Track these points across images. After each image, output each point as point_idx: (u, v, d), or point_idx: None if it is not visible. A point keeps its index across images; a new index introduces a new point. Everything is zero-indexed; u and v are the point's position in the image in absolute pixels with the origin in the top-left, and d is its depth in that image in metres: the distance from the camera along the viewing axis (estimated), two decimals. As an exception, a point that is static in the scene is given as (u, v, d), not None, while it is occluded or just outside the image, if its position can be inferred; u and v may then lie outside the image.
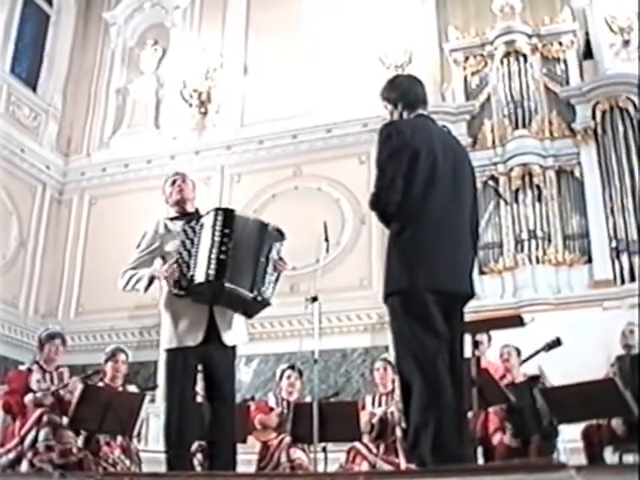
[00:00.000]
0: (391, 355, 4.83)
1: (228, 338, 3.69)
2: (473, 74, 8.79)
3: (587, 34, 8.52)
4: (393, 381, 5.50)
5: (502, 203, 7.96)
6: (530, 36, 8.55)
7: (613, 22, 8.38)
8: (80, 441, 4.76)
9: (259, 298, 3.64)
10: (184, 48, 10.42)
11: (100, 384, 5.19)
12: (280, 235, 3.81)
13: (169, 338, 3.67)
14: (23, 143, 9.95)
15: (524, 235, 7.82)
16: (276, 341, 8.41)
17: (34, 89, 10.51)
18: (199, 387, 4.04)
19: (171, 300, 3.70)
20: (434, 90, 8.35)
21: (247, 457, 5.16)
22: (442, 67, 9.03)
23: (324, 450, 5.01)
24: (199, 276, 3.57)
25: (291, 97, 9.40)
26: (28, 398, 4.90)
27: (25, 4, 10.49)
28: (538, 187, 7.98)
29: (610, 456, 4.82)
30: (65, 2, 11.07)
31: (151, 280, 3.74)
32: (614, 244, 7.51)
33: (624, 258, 7.42)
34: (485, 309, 6.42)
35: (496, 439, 5.09)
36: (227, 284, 3.55)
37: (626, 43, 8.27)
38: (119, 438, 4.99)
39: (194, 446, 4.44)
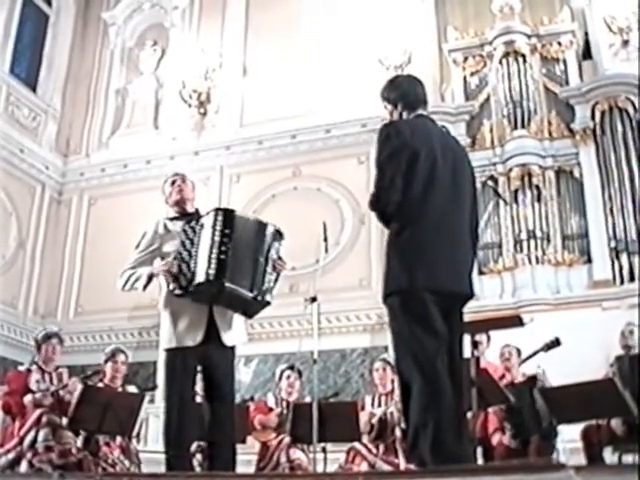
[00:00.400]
0: (390, 355, 4.83)
1: (228, 338, 3.69)
2: (472, 74, 8.79)
3: (586, 34, 8.53)
4: (392, 381, 5.49)
5: (501, 203, 7.95)
6: (529, 36, 8.54)
7: (612, 22, 8.37)
8: (79, 441, 4.76)
9: (259, 298, 3.64)
10: (183, 48, 10.41)
11: (99, 384, 5.18)
12: (279, 235, 3.81)
13: (168, 338, 3.67)
14: (22, 143, 9.95)
15: (523, 235, 7.82)
16: (275, 341, 8.41)
17: (33, 89, 10.50)
18: (198, 387, 4.04)
19: (170, 300, 3.70)
20: (433, 90, 8.34)
21: (246, 457, 5.16)
22: (441, 67, 9.04)
23: (323, 450, 5.00)
24: (199, 276, 3.57)
25: (290, 97, 9.39)
26: (27, 399, 4.90)
27: (24, 4, 10.49)
28: (537, 187, 7.98)
29: (609, 456, 4.82)
30: (64, 2, 11.07)
31: (150, 278, 3.73)
32: (613, 244, 7.52)
33: (623, 258, 7.42)
34: (484, 309, 6.40)
35: (495, 439, 5.09)
36: (227, 284, 3.54)
37: (625, 43, 8.27)
38: (118, 438, 4.99)
39: (193, 446, 4.43)
